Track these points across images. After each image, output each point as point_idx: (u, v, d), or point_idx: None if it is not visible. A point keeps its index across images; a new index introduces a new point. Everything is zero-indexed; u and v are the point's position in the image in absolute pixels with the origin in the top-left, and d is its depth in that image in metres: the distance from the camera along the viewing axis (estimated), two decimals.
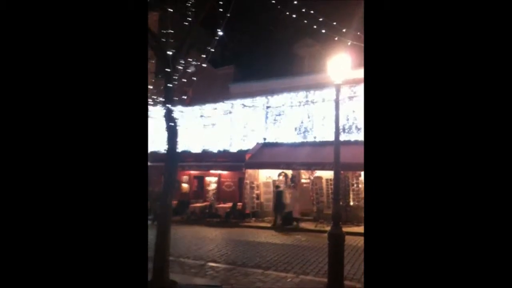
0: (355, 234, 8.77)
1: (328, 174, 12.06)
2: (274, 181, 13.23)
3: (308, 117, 13.10)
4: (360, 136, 12.20)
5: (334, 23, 8.89)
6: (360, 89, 11.97)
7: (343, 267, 4.85)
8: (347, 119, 12.30)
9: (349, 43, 8.22)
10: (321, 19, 8.97)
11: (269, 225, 11.61)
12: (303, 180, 13.08)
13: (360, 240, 8.47)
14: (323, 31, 9.05)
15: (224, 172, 14.67)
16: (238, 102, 14.38)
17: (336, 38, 9.03)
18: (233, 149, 14.40)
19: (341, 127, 11.45)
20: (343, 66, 5.18)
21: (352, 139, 11.93)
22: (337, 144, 5.08)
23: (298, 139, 13.19)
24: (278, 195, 11.66)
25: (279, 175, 13.19)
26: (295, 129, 13.28)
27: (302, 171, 12.75)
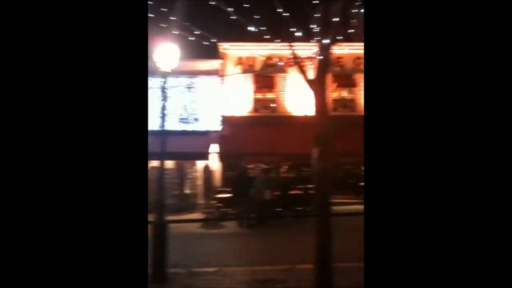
0: (185, 222, 8.91)
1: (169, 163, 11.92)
2: None
3: None
4: (197, 126, 12.54)
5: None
6: (198, 81, 12.28)
7: (166, 256, 4.88)
8: (185, 109, 12.44)
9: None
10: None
11: None
12: None
13: (186, 226, 8.59)
14: None
15: None
16: None
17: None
18: None
19: (178, 116, 11.86)
20: (170, 56, 5.15)
21: (190, 129, 12.16)
22: (160, 133, 5.04)
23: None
24: None
25: None
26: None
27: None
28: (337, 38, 3.72)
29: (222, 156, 12.05)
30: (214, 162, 12.25)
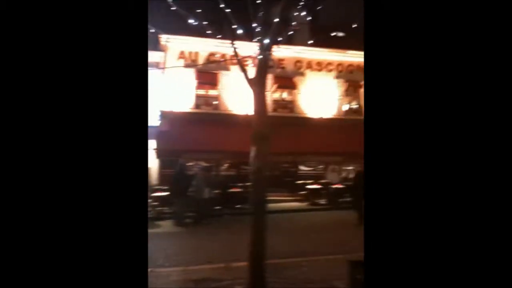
0: None
1: None
2: None
3: None
4: None
5: None
6: None
7: None
8: None
9: None
10: None
11: None
12: None
13: None
14: None
15: None
16: None
17: None
18: None
19: None
20: None
21: None
22: None
23: None
24: None
25: None
26: None
27: None
28: (278, 39, 3.78)
29: (160, 153, 11.63)
30: (151, 159, 11.77)
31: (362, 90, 14.82)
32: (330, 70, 14.46)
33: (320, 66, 14.35)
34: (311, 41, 11.05)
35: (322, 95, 14.09)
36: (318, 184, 12.11)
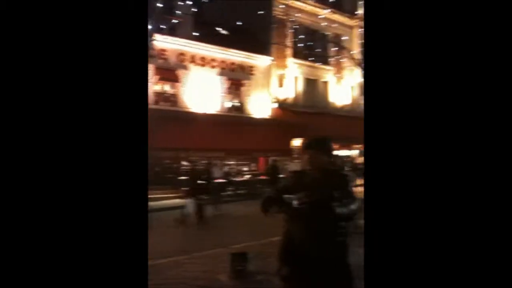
0: None
1: None
2: None
3: None
4: None
5: None
6: None
7: None
8: None
9: None
10: None
11: None
12: None
13: None
14: None
15: None
16: None
17: None
18: None
19: None
20: None
21: None
22: None
23: None
24: None
25: None
26: None
27: None
28: (160, 26, 3.56)
29: None
30: None
31: (243, 89, 15.49)
32: (214, 67, 14.60)
33: (204, 61, 14.34)
34: (195, 34, 10.91)
35: (205, 90, 14.13)
36: (201, 179, 12.12)
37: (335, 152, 2.40)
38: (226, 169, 14.10)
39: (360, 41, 19.15)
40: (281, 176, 11.85)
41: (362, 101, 19.82)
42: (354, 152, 17.76)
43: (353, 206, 2.02)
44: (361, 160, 14.09)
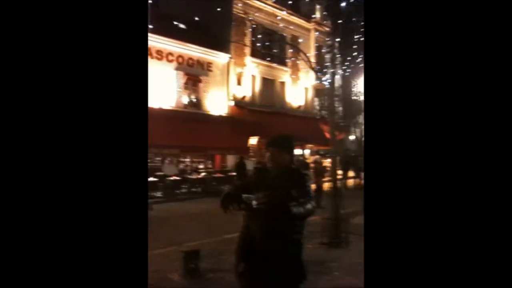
0: None
1: None
2: None
3: None
4: None
5: None
6: None
7: None
8: None
9: None
10: None
11: None
12: None
13: None
14: None
15: None
16: None
17: None
18: None
19: None
20: None
21: None
22: None
23: None
24: None
25: None
26: None
27: None
28: None
29: None
30: None
31: (201, 85, 15.30)
32: (171, 61, 14.27)
33: (161, 55, 13.96)
34: (151, 26, 10.57)
35: (162, 85, 13.76)
36: (154, 176, 11.81)
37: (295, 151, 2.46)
38: (181, 166, 13.86)
39: (315, 44, 19.80)
40: (248, 172, 11.97)
41: (316, 103, 20.55)
42: (307, 152, 18.35)
43: (309, 206, 2.08)
44: (313, 159, 14.59)
